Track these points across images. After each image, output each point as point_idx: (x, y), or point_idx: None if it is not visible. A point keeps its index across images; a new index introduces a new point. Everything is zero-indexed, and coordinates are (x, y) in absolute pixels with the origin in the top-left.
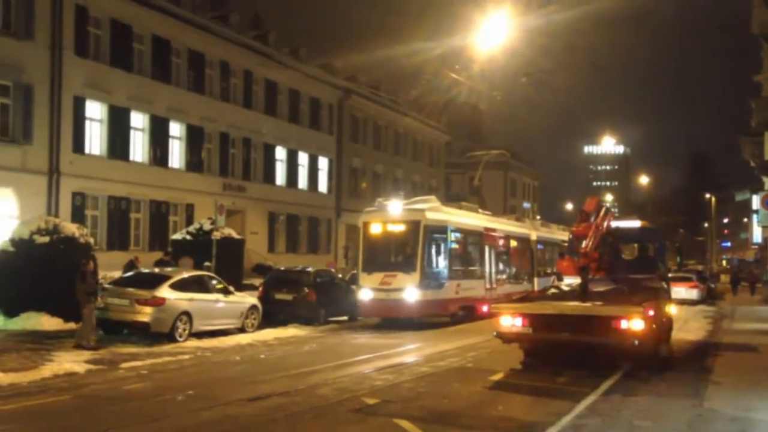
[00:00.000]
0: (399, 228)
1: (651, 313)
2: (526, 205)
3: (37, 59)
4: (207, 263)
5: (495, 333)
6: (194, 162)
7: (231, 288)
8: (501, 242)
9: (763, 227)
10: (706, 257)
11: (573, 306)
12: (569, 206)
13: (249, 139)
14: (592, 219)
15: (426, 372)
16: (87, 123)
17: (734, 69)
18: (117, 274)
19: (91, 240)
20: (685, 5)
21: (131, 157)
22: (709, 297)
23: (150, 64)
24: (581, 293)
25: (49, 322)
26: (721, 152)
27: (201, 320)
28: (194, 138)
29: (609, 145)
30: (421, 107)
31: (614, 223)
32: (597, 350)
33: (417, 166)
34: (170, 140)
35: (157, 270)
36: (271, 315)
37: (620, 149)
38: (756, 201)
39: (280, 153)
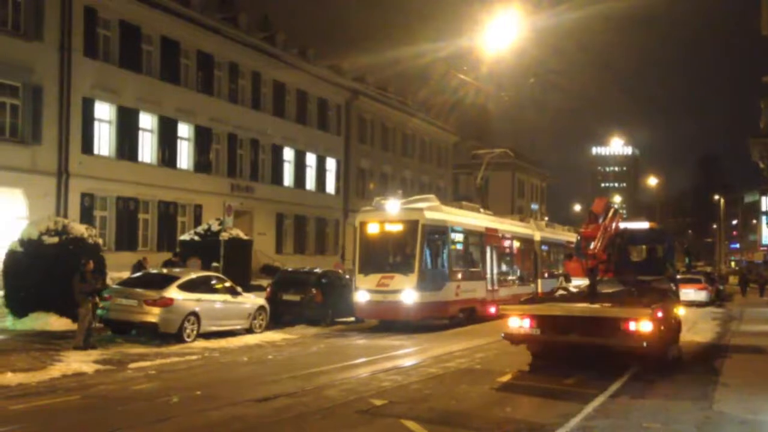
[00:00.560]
0: (397, 228)
1: (659, 314)
2: (534, 206)
3: (46, 60)
4: (215, 264)
5: (503, 334)
6: (202, 163)
7: (239, 289)
8: (503, 243)
9: None
10: (714, 259)
11: (581, 307)
12: (577, 207)
13: (257, 140)
14: (601, 220)
15: (434, 373)
16: (96, 124)
17: (744, 70)
18: (125, 274)
19: (100, 240)
20: (695, 7)
21: (140, 158)
22: (718, 299)
23: (159, 65)
24: (589, 295)
25: (57, 323)
26: (731, 154)
27: (209, 321)
28: (202, 139)
29: (617, 146)
30: (429, 108)
31: (622, 225)
32: (605, 352)
33: (425, 167)
34: (179, 141)
35: (165, 270)
36: (278, 316)
37: (629, 150)
38: (765, 202)
39: (288, 154)
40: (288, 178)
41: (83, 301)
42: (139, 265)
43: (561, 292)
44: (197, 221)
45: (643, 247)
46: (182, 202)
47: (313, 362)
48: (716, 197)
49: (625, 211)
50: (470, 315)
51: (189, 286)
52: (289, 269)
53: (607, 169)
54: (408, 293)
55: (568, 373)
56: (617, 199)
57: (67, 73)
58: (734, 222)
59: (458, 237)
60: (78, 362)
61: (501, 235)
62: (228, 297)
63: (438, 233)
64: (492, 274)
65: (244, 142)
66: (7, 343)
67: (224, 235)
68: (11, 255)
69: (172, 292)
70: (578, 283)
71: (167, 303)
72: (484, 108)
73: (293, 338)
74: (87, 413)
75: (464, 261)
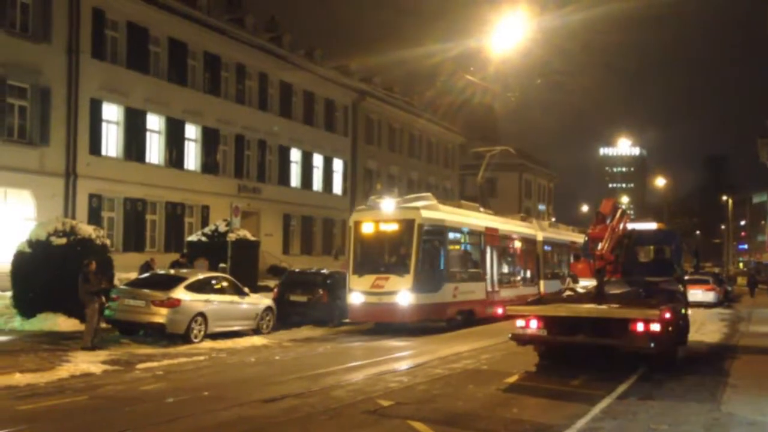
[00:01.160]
0: (392, 227)
1: (667, 315)
2: (542, 207)
3: (54, 62)
4: (222, 265)
5: (510, 335)
6: (210, 164)
7: (246, 289)
8: (504, 243)
9: None
10: (722, 260)
11: (589, 308)
12: (585, 208)
13: (264, 141)
14: (608, 221)
15: (440, 374)
16: (103, 125)
17: (753, 70)
18: (133, 275)
19: (108, 241)
20: (702, 7)
21: (147, 159)
22: (726, 300)
23: (166, 66)
24: (597, 295)
25: (65, 323)
26: (739, 154)
27: (216, 321)
28: (210, 140)
29: (625, 146)
30: (436, 109)
31: (630, 225)
32: (613, 353)
33: (432, 167)
34: (186, 142)
35: (172, 271)
36: (285, 316)
37: (636, 151)
38: None
39: (295, 155)
40: (295, 178)
41: (89, 301)
42: (147, 266)
43: (568, 293)
44: (204, 222)
45: (651, 247)
46: (189, 203)
47: (320, 363)
48: (724, 198)
49: (632, 212)
50: (469, 317)
51: (196, 287)
52: (296, 270)
53: (615, 169)
54: (403, 295)
55: (576, 374)
56: (625, 199)
57: (74, 75)
58: (742, 223)
59: (456, 237)
60: (86, 363)
61: (501, 234)
62: (235, 298)
63: (435, 233)
64: (492, 275)
65: (251, 143)
66: (15, 343)
67: (231, 236)
68: (19, 256)
69: (180, 293)
70: (586, 284)
71: (174, 304)
72: (490, 109)
73: (300, 339)
74: (95, 414)
75: (462, 261)
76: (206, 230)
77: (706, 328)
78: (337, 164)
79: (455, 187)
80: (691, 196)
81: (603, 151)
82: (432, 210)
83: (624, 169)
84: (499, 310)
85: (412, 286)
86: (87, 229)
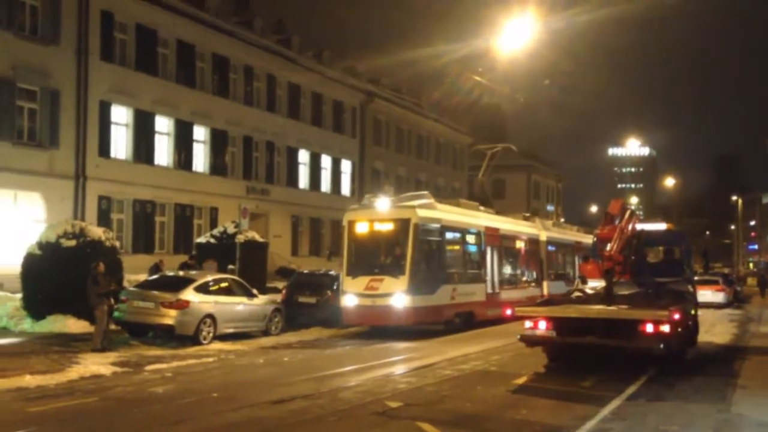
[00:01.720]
0: (387, 227)
1: (677, 316)
2: (550, 207)
3: (63, 64)
4: (231, 266)
5: (519, 336)
6: (218, 165)
7: (255, 291)
8: (505, 243)
9: None
10: (732, 260)
11: (598, 309)
12: (594, 209)
13: (272, 142)
14: (617, 222)
15: (449, 375)
16: (112, 127)
17: (762, 70)
18: (142, 277)
19: (117, 243)
20: (711, 6)
21: (156, 161)
22: (736, 300)
23: (175, 68)
24: (606, 296)
25: (75, 325)
26: (748, 154)
27: (225, 323)
28: (218, 142)
29: (634, 146)
30: (444, 110)
31: (639, 226)
32: (622, 354)
33: (440, 168)
34: (194, 144)
35: (181, 273)
36: (294, 318)
37: (645, 151)
38: None
39: (303, 156)
40: (303, 180)
41: (98, 303)
42: (156, 268)
43: (577, 294)
44: (213, 224)
45: (660, 248)
46: (198, 204)
47: (329, 364)
48: (734, 198)
49: (641, 213)
50: (468, 320)
51: (205, 289)
52: (305, 271)
53: (624, 170)
54: (398, 297)
55: (585, 376)
56: (634, 200)
57: (84, 77)
58: (752, 223)
59: (454, 236)
60: (95, 364)
61: (502, 234)
62: (244, 299)
63: (432, 232)
64: (492, 276)
65: (259, 145)
66: (25, 345)
67: (240, 238)
68: (29, 258)
69: (189, 295)
70: (594, 285)
71: (183, 305)
72: (498, 109)
73: (309, 340)
74: (104, 415)
75: (461, 262)
76: (215, 232)
77: (715, 329)
78: (346, 165)
79: (463, 187)
80: (701, 197)
81: (612, 151)
82: (429, 209)
83: (633, 170)
84: (508, 311)
85: (408, 288)
86: (96, 231)
